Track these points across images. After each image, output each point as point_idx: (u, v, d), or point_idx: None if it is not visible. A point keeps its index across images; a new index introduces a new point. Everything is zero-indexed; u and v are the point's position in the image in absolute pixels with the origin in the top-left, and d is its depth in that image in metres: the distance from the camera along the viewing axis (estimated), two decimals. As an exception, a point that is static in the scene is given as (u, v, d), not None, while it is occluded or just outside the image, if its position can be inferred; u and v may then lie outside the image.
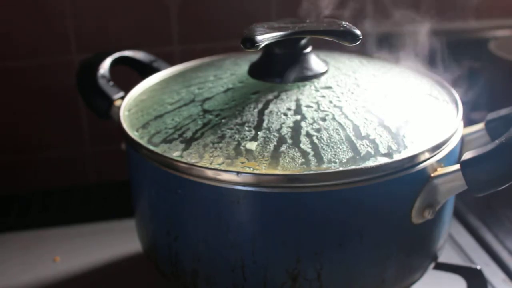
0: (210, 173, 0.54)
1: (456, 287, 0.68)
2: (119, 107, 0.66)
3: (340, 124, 0.57)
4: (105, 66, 0.73)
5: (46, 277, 0.74)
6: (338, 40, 0.58)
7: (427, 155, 0.56)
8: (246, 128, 0.57)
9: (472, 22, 0.84)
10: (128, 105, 0.66)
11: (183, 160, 0.55)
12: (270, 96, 0.60)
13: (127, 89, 0.69)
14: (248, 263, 0.56)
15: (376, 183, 0.54)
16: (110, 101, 0.70)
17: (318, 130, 0.56)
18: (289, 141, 0.55)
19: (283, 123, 0.57)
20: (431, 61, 0.73)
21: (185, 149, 0.56)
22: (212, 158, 0.55)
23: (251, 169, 0.54)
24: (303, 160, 0.54)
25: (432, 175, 0.56)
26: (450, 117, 0.61)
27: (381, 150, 0.55)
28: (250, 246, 0.55)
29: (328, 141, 0.55)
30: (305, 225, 0.54)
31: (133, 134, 0.60)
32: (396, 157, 0.55)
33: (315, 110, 0.58)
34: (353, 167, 0.53)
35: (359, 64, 0.67)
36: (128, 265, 0.76)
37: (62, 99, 0.90)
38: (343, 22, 0.59)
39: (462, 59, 0.89)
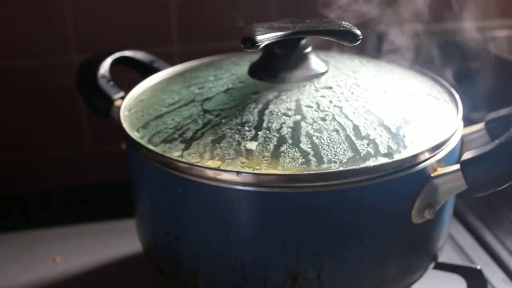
0: (210, 173, 0.54)
1: (456, 287, 0.68)
2: (119, 107, 0.66)
3: (340, 124, 0.57)
4: (105, 66, 0.73)
5: (46, 277, 0.74)
6: (338, 40, 0.58)
7: (427, 155, 0.56)
8: (246, 128, 0.57)
9: (472, 22, 0.84)
10: (128, 105, 0.66)
11: (183, 160, 0.55)
12: (270, 96, 0.60)
13: (127, 89, 0.69)
14: (248, 263, 0.56)
15: (376, 183, 0.54)
16: (110, 101, 0.70)
17: (318, 130, 0.56)
18: (289, 141, 0.55)
19: (283, 123, 0.57)
20: (431, 61, 0.73)
21: (185, 149, 0.56)
22: (212, 158, 0.55)
23: (251, 169, 0.54)
24: (303, 160, 0.54)
25: (432, 175, 0.56)
26: (450, 117, 0.61)
27: (381, 150, 0.55)
28: (250, 246, 0.55)
29: (328, 141, 0.55)
30: (305, 225, 0.54)
31: (133, 134, 0.60)
32: (396, 157, 0.55)
33: (315, 110, 0.58)
34: (353, 167, 0.53)
35: (359, 64, 0.67)
36: (128, 265, 0.75)
37: (62, 99, 0.90)
38: (343, 22, 0.59)
39: (462, 59, 0.89)
